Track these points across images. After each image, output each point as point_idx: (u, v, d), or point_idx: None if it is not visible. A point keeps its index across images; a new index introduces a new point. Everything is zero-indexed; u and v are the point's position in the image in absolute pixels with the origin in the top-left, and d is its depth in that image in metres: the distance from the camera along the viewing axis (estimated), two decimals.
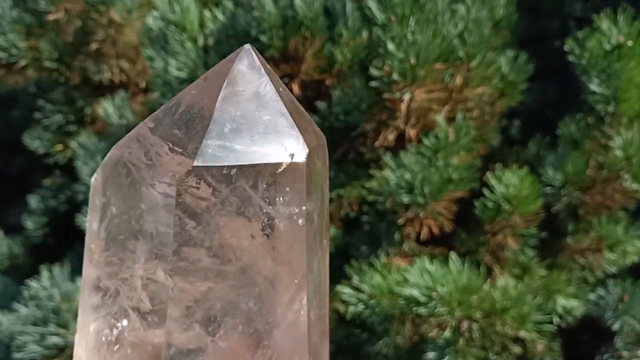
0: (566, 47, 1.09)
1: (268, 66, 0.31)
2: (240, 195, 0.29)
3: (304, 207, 0.29)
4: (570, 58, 1.09)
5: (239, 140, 0.29)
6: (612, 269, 1.22)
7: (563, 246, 1.22)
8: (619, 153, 1.05)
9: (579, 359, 1.45)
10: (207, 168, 0.28)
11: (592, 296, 1.18)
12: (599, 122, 1.10)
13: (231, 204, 0.29)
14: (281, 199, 0.29)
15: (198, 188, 0.28)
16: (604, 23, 1.02)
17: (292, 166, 0.29)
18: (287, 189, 0.29)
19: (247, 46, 0.31)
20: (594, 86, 1.04)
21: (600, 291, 1.18)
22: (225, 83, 0.29)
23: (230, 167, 0.28)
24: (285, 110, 0.30)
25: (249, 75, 0.30)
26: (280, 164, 0.29)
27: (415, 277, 0.87)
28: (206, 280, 0.29)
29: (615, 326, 1.16)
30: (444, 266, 0.92)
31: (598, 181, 1.13)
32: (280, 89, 0.31)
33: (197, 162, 0.28)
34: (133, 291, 0.30)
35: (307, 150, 0.30)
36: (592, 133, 1.12)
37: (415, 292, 0.85)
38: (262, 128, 0.29)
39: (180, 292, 0.29)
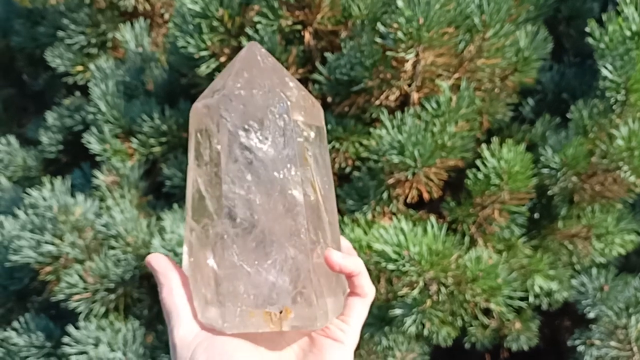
0: (587, 29, 1.06)
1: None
2: None
3: None
4: (590, 40, 1.06)
5: None
6: (601, 259, 1.22)
7: (553, 229, 1.22)
8: (621, 143, 1.03)
9: (559, 344, 1.47)
10: None
11: (574, 282, 1.19)
12: (609, 110, 1.08)
13: None
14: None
15: None
16: (628, 7, 0.99)
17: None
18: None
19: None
20: (607, 72, 1.01)
21: (584, 278, 1.18)
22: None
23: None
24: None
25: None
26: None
27: (391, 234, 0.88)
28: None
29: (591, 314, 1.17)
30: (422, 229, 0.93)
31: (599, 170, 1.12)
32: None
33: None
34: None
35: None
36: (600, 120, 1.10)
37: (387, 248, 0.87)
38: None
39: None
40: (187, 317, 0.42)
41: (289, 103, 0.43)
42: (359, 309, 0.45)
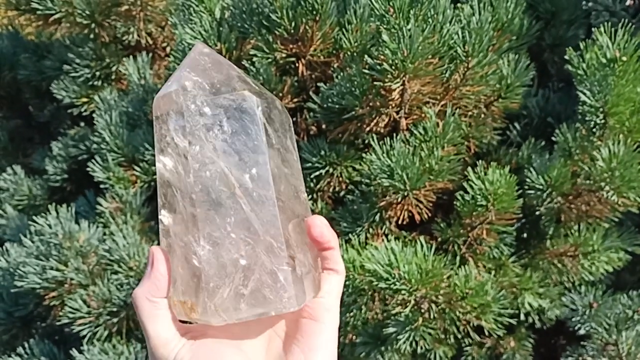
0: (566, 56, 1.12)
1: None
2: None
3: None
4: (569, 67, 1.12)
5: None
6: (589, 277, 1.25)
7: (542, 249, 1.25)
8: (602, 164, 1.08)
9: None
10: None
11: (565, 300, 1.22)
12: (590, 133, 1.13)
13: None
14: None
15: None
16: (603, 36, 1.05)
17: None
18: None
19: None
20: (585, 97, 1.07)
21: (574, 295, 1.22)
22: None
23: None
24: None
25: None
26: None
27: (382, 254, 0.93)
28: None
29: (582, 331, 1.20)
30: (412, 249, 0.97)
31: (584, 190, 1.16)
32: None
33: None
34: None
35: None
36: (583, 143, 1.15)
37: (378, 268, 0.91)
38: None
39: None
40: (164, 319, 0.44)
41: (201, 102, 0.44)
42: (335, 285, 0.46)
